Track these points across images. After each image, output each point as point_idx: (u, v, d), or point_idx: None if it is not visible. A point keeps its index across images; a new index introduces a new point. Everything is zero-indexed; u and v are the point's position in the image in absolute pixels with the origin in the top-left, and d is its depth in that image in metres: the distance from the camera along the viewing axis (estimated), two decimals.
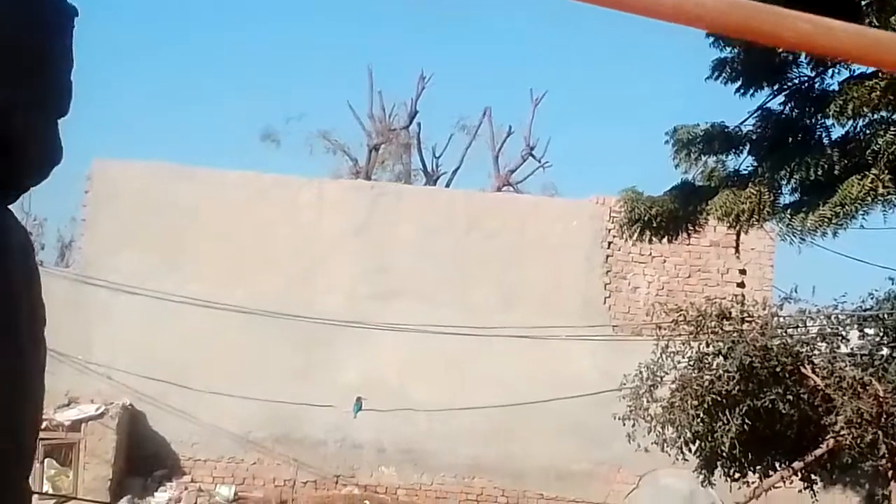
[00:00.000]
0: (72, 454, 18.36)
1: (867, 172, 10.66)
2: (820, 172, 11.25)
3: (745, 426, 13.27)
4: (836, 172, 11.25)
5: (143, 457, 19.46)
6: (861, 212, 10.88)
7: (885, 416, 13.03)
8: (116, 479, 18.54)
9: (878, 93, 10.30)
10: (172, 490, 19.35)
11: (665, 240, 13.67)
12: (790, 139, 12.12)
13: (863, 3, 10.60)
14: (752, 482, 14.43)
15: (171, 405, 19.50)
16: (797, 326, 14.52)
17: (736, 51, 12.06)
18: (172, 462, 19.84)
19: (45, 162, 1.98)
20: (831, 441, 13.39)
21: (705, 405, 13.41)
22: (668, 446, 13.94)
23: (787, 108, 12.14)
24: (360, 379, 19.53)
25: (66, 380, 19.21)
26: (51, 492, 18.16)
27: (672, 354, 14.30)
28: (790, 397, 13.45)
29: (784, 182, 11.84)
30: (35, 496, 17.33)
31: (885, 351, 14.41)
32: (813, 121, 12.08)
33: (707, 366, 13.93)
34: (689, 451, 14.05)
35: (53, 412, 18.44)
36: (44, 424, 17.59)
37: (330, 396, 19.10)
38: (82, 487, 18.00)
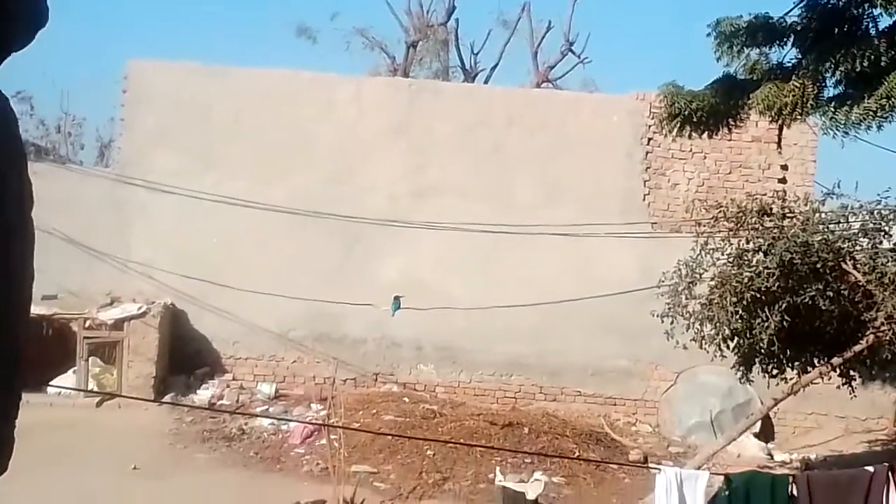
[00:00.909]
0: (115, 352, 18.63)
1: None
2: (866, 64, 11.00)
3: (784, 323, 13.13)
4: (882, 64, 11.00)
5: (185, 355, 19.71)
6: None
7: None
8: (160, 376, 18.80)
9: None
10: (215, 387, 19.62)
11: (706, 135, 13.50)
12: (836, 30, 11.85)
13: None
14: (791, 378, 14.37)
15: (211, 304, 19.67)
16: (839, 222, 14.28)
17: None
18: (214, 360, 20.10)
19: (28, 20, 1.87)
20: (871, 337, 13.25)
21: (744, 302, 13.28)
22: (706, 343, 13.84)
23: None
24: (399, 277, 19.59)
25: (107, 279, 19.45)
26: (96, 389, 18.47)
27: (711, 251, 14.12)
28: (830, 293, 13.28)
29: (829, 74, 11.60)
30: (81, 394, 17.67)
31: None
32: (860, 10, 11.77)
33: (746, 262, 13.76)
34: (728, 347, 13.95)
35: (96, 311, 18.67)
36: (87, 323, 17.88)
37: (369, 295, 19.18)
38: (126, 385, 18.28)
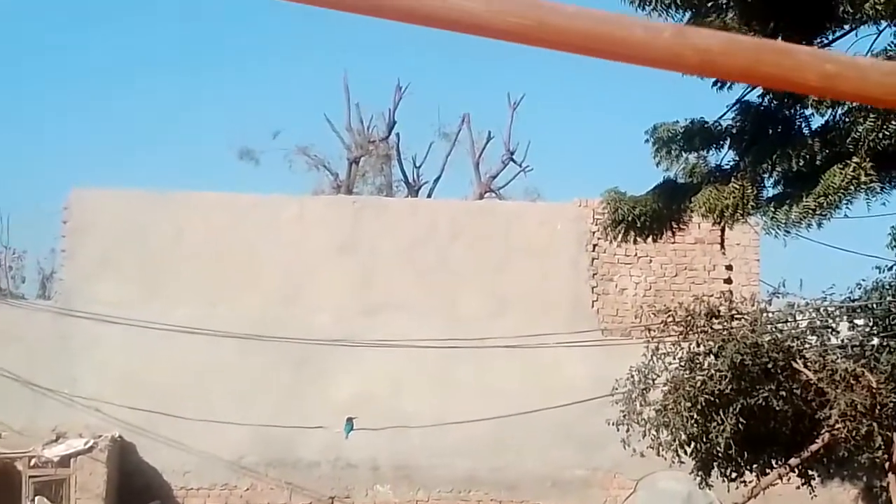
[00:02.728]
0: (62, 490, 18.12)
1: (849, 161, 10.55)
2: (802, 163, 11.16)
3: (740, 425, 13.11)
4: (817, 163, 11.15)
5: (135, 489, 19.21)
6: (845, 201, 10.76)
7: (878, 407, 12.89)
8: None
9: None
10: None
11: (650, 239, 13.55)
12: (770, 131, 12.01)
13: None
14: (750, 481, 14.28)
15: (160, 434, 19.28)
16: (787, 321, 14.38)
17: None
18: (165, 492, 19.58)
19: None
20: (826, 435, 13.25)
21: (699, 406, 13.26)
22: (663, 450, 13.77)
23: (766, 99, 12.01)
24: (352, 396, 19.35)
25: (52, 415, 19.03)
26: None
27: (663, 356, 14.14)
28: (783, 393, 13.30)
29: (766, 175, 11.75)
30: None
31: (875, 341, 14.28)
32: (792, 111, 11.96)
33: (698, 366, 13.78)
34: (685, 453, 13.88)
35: (42, 448, 18.21)
36: (32, 462, 17.41)
37: (322, 416, 18.92)
38: None
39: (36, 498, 18.03)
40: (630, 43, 1.26)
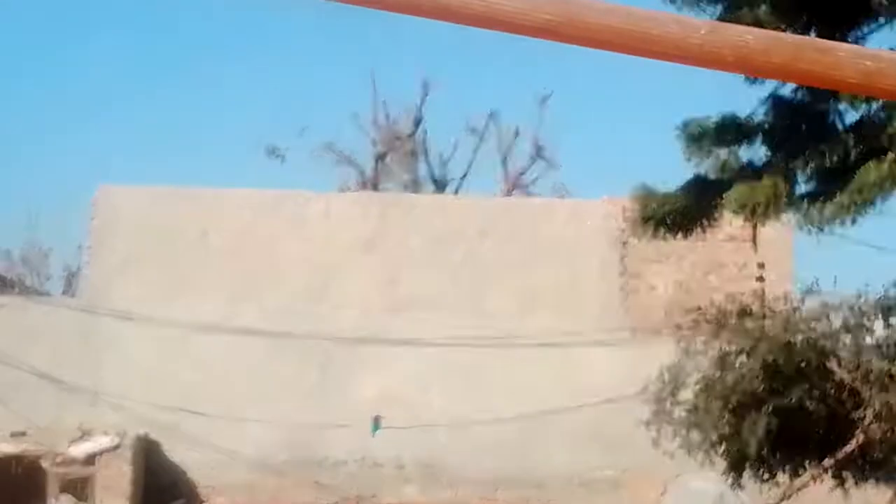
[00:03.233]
0: (88, 488, 18.15)
1: (883, 157, 10.36)
2: (835, 159, 11.00)
3: (772, 425, 12.90)
4: (851, 159, 10.99)
5: (160, 487, 19.18)
6: (880, 197, 10.57)
7: None
8: None
9: None
10: None
11: (680, 236, 13.38)
12: (803, 127, 11.84)
13: None
14: (783, 482, 14.06)
15: (186, 432, 19.23)
16: (820, 320, 14.13)
17: None
18: (190, 490, 19.57)
19: None
20: (861, 436, 13.01)
21: (730, 406, 13.06)
22: (694, 450, 13.58)
23: (799, 94, 11.81)
24: (378, 395, 19.28)
25: (78, 413, 19.01)
26: None
27: (694, 355, 13.94)
28: (816, 393, 13.08)
29: (799, 171, 11.60)
30: None
31: None
32: (826, 106, 11.78)
33: (730, 365, 13.56)
34: (716, 453, 13.69)
35: (67, 446, 18.20)
36: (58, 459, 17.39)
37: (348, 414, 18.86)
38: None
39: (61, 496, 18.05)
40: (665, 40, 1.21)
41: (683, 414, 13.77)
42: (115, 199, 20.32)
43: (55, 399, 19.15)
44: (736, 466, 13.95)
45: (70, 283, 25.75)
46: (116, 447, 18.29)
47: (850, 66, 1.28)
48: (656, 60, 1.26)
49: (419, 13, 1.24)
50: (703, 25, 1.26)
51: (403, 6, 1.26)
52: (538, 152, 34.10)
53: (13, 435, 17.41)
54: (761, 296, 14.98)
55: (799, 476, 13.84)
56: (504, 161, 34.66)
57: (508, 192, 32.93)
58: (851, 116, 11.63)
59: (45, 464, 18.18)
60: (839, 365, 13.19)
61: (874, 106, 11.06)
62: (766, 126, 12.27)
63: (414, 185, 34.59)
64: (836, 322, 14.14)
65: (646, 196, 12.79)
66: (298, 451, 19.49)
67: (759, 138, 12.35)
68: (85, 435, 18.70)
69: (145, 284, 19.70)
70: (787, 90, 12.04)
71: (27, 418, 17.93)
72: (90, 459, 18.11)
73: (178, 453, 19.51)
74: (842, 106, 11.62)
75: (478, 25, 1.24)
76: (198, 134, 47.37)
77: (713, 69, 1.32)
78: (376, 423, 18.48)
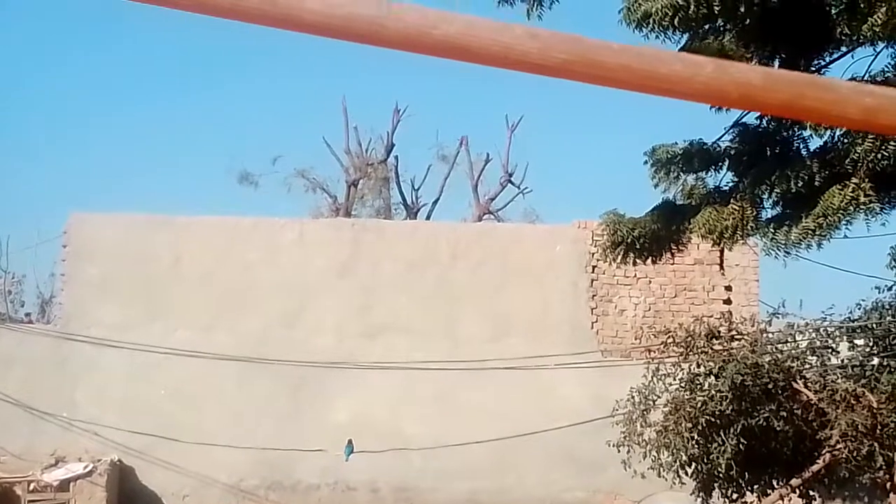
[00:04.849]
0: None
1: (847, 182, 10.57)
2: (800, 184, 11.17)
3: (741, 445, 13.11)
4: (816, 183, 11.16)
5: None
6: (844, 222, 10.78)
7: (879, 427, 12.89)
8: None
9: None
10: None
11: (649, 260, 13.53)
12: (769, 152, 12.04)
13: (833, 12, 10.55)
14: (751, 502, 14.25)
15: (160, 458, 19.25)
16: (787, 341, 14.40)
17: None
18: None
19: None
20: (827, 456, 13.24)
21: (699, 427, 13.26)
22: (664, 471, 13.75)
23: (764, 120, 12.05)
24: (352, 419, 19.34)
25: (51, 439, 19.01)
26: None
27: (663, 377, 14.14)
28: (784, 413, 13.31)
29: (765, 196, 11.75)
30: None
31: (875, 361, 14.28)
32: (790, 132, 12.00)
33: (699, 386, 13.78)
34: (686, 474, 13.87)
35: (41, 472, 18.17)
36: (31, 486, 17.36)
37: (321, 439, 18.93)
38: None
39: None
40: (673, 78, 1.29)
41: (653, 435, 13.94)
42: (87, 227, 20.34)
43: (29, 425, 19.13)
44: (705, 486, 14.14)
45: (44, 310, 25.69)
46: (90, 473, 18.26)
47: (851, 103, 1.33)
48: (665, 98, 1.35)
49: (436, 53, 1.32)
50: (709, 64, 1.34)
51: (419, 47, 1.33)
52: (509, 178, 34.37)
53: None
54: (729, 318, 15.16)
55: (767, 495, 14.03)
56: (475, 187, 34.91)
57: (480, 218, 33.16)
58: (815, 143, 11.86)
59: (18, 490, 18.11)
60: (806, 385, 13.45)
61: (837, 132, 11.29)
62: (733, 152, 12.45)
63: (386, 211, 34.80)
64: (803, 343, 14.41)
65: (615, 221, 12.94)
66: (272, 476, 19.52)
67: (726, 164, 12.51)
68: (59, 461, 18.69)
69: (119, 311, 19.74)
70: (751, 117, 12.29)
71: (1, 446, 17.89)
72: (64, 486, 18.06)
73: (152, 479, 19.49)
74: (806, 133, 11.84)
75: (493, 65, 1.31)
76: (170, 161, 47.38)
77: (719, 105, 1.46)
78: (350, 447, 18.56)
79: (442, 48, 1.31)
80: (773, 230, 11.35)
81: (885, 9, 9.76)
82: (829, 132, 11.35)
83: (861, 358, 14.51)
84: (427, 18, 1.30)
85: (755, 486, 14.14)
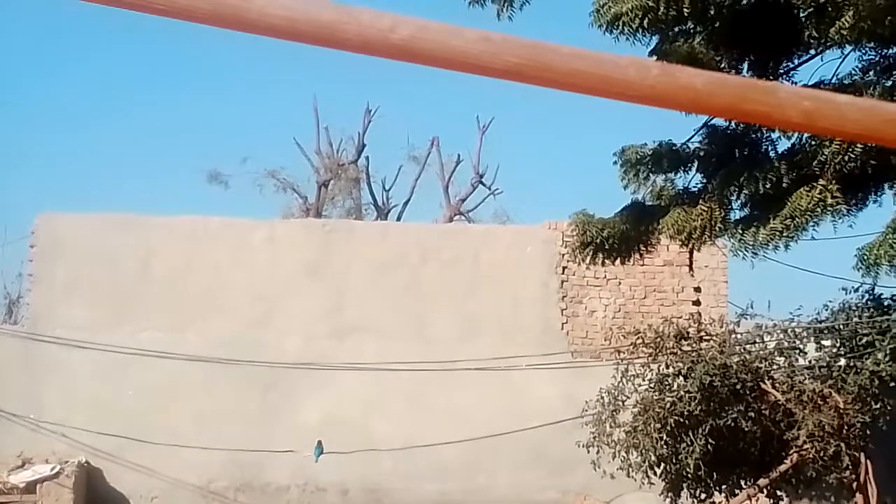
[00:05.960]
0: None
1: (815, 184, 10.65)
2: (768, 186, 11.24)
3: (709, 446, 13.19)
4: (784, 185, 11.24)
5: None
6: (811, 223, 10.86)
7: (846, 427, 13.00)
8: None
9: None
10: None
11: (618, 261, 13.60)
12: (737, 154, 12.11)
13: (801, 15, 10.63)
14: (719, 502, 14.33)
15: (128, 460, 19.14)
16: (755, 342, 14.49)
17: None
18: None
19: None
20: (795, 456, 13.34)
21: (668, 427, 13.32)
22: (633, 471, 13.82)
23: (733, 122, 12.10)
24: (322, 420, 19.28)
25: (18, 440, 18.85)
26: None
27: (632, 377, 14.21)
28: (752, 414, 13.40)
29: (734, 197, 11.83)
30: None
31: (842, 362, 14.38)
32: (759, 135, 12.07)
33: (668, 387, 13.85)
34: (655, 474, 13.94)
35: (7, 475, 18.03)
36: None
37: (291, 440, 18.86)
38: None
39: None
40: (625, 82, 1.30)
41: (623, 436, 14.01)
42: (55, 227, 20.18)
43: None
44: (674, 487, 14.21)
45: (11, 310, 25.56)
46: (58, 475, 18.13)
47: (791, 106, 1.35)
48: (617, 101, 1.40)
49: (391, 56, 1.31)
50: (656, 67, 1.35)
51: (383, 51, 1.32)
52: (480, 179, 34.42)
53: None
54: (698, 319, 15.28)
55: (735, 495, 14.12)
56: (446, 188, 34.94)
57: (450, 219, 33.19)
58: (783, 145, 11.94)
59: None
60: (773, 386, 13.53)
61: (805, 135, 11.36)
62: (702, 153, 12.52)
63: (357, 212, 34.79)
64: (771, 344, 14.50)
65: (584, 221, 12.98)
66: (242, 477, 19.44)
67: (695, 165, 12.59)
68: (26, 463, 18.54)
69: (87, 312, 19.59)
70: (720, 119, 12.35)
71: None
72: (31, 487, 17.92)
73: (120, 480, 19.36)
74: (774, 135, 11.92)
75: (445, 68, 1.32)
76: (139, 161, 47.19)
77: (669, 109, 1.45)
78: (319, 448, 18.51)
79: (397, 51, 1.30)
80: (741, 231, 11.41)
81: (852, 12, 9.84)
82: (796, 135, 11.42)
83: (828, 359, 14.61)
84: (382, 21, 1.29)
85: (723, 487, 14.23)
